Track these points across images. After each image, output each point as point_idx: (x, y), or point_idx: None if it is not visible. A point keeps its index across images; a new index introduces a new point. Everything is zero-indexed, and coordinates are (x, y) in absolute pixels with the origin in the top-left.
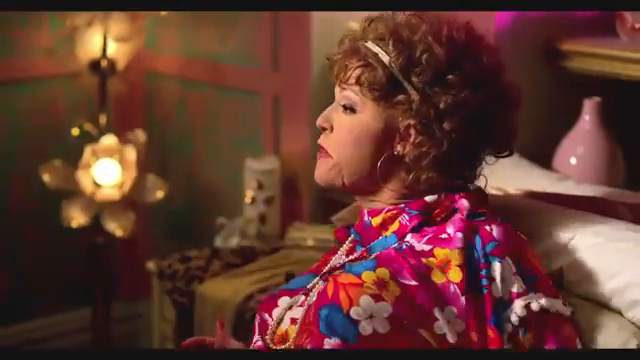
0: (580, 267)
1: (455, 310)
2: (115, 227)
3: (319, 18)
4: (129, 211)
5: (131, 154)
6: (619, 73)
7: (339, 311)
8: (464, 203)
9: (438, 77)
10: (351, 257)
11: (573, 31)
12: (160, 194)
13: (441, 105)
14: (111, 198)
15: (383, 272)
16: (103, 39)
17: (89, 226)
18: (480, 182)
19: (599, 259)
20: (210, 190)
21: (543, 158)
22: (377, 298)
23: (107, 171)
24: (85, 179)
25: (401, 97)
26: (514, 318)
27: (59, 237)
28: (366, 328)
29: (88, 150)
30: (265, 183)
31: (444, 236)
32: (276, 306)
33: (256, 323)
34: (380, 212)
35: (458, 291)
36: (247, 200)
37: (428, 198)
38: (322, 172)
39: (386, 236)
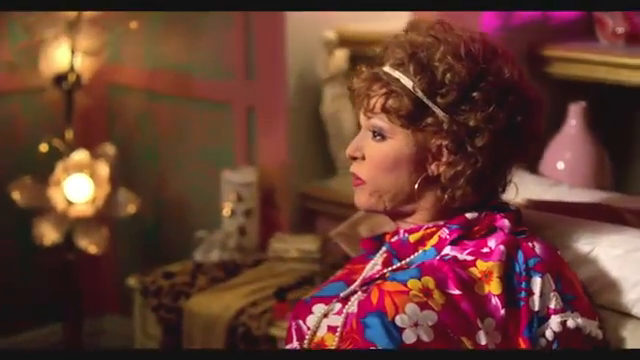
0: (601, 278)
1: (494, 322)
2: (88, 244)
3: (294, 22)
4: (102, 227)
5: (103, 169)
6: (601, 78)
7: (384, 318)
8: (505, 223)
9: (464, 95)
10: (391, 268)
11: (554, 36)
12: (132, 209)
13: (471, 123)
14: (84, 214)
15: (428, 280)
16: (70, 53)
17: (60, 243)
18: (508, 193)
19: (620, 270)
20: (180, 204)
21: (530, 163)
22: (423, 306)
23: (79, 187)
24: (57, 196)
25: (429, 120)
26: (549, 333)
27: (30, 254)
28: (410, 336)
29: (60, 166)
30: (244, 195)
31: (486, 250)
32: (311, 313)
33: (292, 330)
34: (419, 229)
35: (499, 304)
36: (226, 213)
37: (469, 215)
38: (363, 200)
39: (425, 250)
